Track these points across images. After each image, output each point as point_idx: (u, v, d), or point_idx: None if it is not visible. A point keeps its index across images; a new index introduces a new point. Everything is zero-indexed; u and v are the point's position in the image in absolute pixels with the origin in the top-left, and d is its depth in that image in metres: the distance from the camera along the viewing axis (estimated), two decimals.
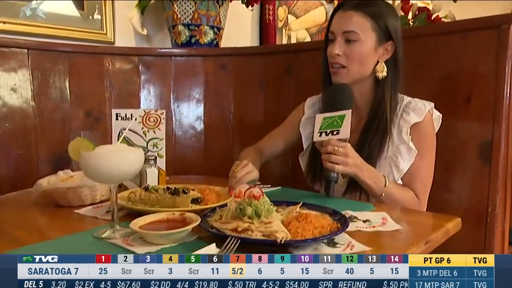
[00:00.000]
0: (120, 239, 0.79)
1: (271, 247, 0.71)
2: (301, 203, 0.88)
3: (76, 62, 1.78)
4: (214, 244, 0.72)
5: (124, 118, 1.22)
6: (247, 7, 2.16)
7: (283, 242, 0.70)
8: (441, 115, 1.23)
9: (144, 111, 1.24)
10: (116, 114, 1.22)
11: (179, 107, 1.97)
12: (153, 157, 1.19)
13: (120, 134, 1.22)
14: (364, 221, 0.93)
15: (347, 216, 0.95)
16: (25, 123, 1.65)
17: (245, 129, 1.93)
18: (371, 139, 1.16)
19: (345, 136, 1.05)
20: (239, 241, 0.71)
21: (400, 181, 1.17)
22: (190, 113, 1.97)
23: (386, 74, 1.17)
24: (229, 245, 0.70)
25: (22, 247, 0.74)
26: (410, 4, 3.13)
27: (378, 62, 1.18)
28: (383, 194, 1.10)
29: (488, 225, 1.32)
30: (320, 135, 1.07)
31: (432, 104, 1.20)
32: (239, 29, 2.47)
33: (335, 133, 1.05)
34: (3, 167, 1.58)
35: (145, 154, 1.23)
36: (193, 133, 1.97)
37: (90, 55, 1.82)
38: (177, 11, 1.97)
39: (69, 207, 1.03)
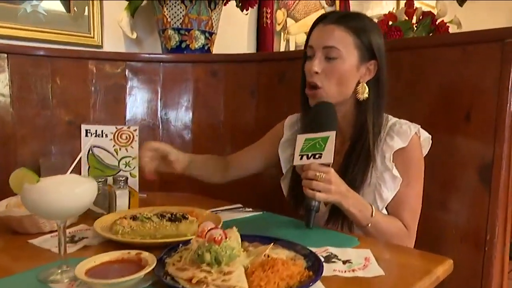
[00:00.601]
0: (66, 283, 0.71)
1: None
2: (272, 244, 0.79)
3: (60, 67, 1.70)
4: None
5: (95, 134, 1.14)
6: (242, 11, 2.07)
7: None
8: (430, 136, 1.14)
9: (116, 128, 1.16)
10: (86, 130, 1.14)
11: (166, 115, 1.88)
12: (123, 178, 1.11)
13: (90, 151, 1.14)
14: (345, 262, 0.84)
15: (326, 254, 0.87)
16: (3, 130, 1.58)
17: (236, 139, 1.84)
18: (354, 164, 1.07)
19: (328, 161, 0.95)
20: None
21: (384, 211, 1.09)
22: (178, 122, 1.89)
23: (367, 96, 1.08)
24: None
25: None
26: (414, 8, 3.01)
27: (359, 82, 1.08)
28: (369, 225, 1.02)
29: (487, 255, 1.23)
30: (301, 158, 0.97)
31: (418, 127, 1.10)
32: (235, 33, 2.37)
33: (317, 156, 0.95)
34: None
35: (116, 173, 1.17)
36: (181, 142, 1.88)
37: (74, 59, 1.74)
38: (167, 14, 1.89)
39: (27, 234, 0.96)
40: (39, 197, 0.70)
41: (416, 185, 1.08)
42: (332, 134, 0.96)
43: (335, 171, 0.98)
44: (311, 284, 0.68)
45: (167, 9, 1.88)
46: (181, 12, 1.88)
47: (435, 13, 2.31)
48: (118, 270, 0.73)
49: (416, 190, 1.08)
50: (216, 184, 1.29)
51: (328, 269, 0.80)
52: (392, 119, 1.11)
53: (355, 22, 1.07)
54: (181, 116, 1.89)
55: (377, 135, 1.08)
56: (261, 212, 1.21)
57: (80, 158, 0.80)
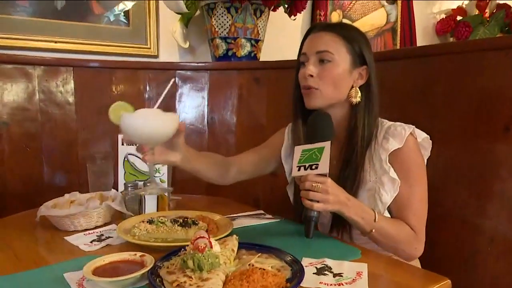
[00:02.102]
0: (78, 280, 0.82)
1: None
2: (258, 255, 0.84)
3: (117, 77, 1.89)
4: None
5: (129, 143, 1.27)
6: (290, 16, 2.10)
7: None
8: (428, 137, 1.12)
9: None
10: (122, 140, 1.27)
11: (212, 120, 1.99)
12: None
13: (125, 158, 1.28)
14: (335, 275, 0.86)
15: (321, 266, 0.90)
16: (68, 136, 1.80)
17: None
18: (349, 170, 1.08)
19: (324, 171, 0.96)
20: None
21: (387, 214, 1.08)
22: (223, 126, 1.99)
23: (360, 100, 1.10)
24: None
25: None
26: (487, 0, 2.82)
27: (352, 87, 1.11)
28: (373, 231, 1.02)
29: None
30: (299, 170, 0.98)
31: (413, 127, 1.08)
32: (286, 38, 2.42)
33: (313, 167, 0.96)
34: (50, 172, 1.74)
35: (147, 179, 1.29)
36: (225, 145, 1.98)
37: (130, 70, 1.92)
38: (215, 24, 1.99)
39: (65, 231, 1.11)
40: (134, 122, 0.85)
41: (419, 186, 1.07)
42: (327, 145, 0.97)
43: (332, 179, 0.99)
44: None
45: (215, 19, 1.98)
46: (227, 22, 1.97)
47: None
48: (122, 269, 0.83)
49: (419, 192, 1.07)
50: (219, 183, 1.28)
51: (314, 281, 0.83)
52: (388, 123, 1.11)
53: (344, 30, 1.10)
54: (226, 121, 1.99)
55: (369, 138, 1.09)
56: (279, 220, 1.26)
57: (165, 96, 0.95)
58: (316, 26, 1.13)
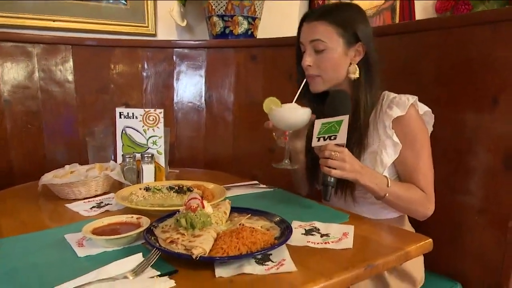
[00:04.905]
0: (78, 240, 0.87)
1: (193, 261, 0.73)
2: (249, 215, 0.88)
3: (116, 55, 1.92)
4: (141, 253, 0.76)
5: (127, 116, 1.30)
6: None
7: (197, 258, 0.72)
8: (430, 110, 1.18)
9: (144, 110, 1.30)
10: (120, 113, 1.30)
11: (210, 98, 2.02)
12: (150, 155, 1.26)
13: (123, 131, 1.31)
14: (322, 235, 0.90)
15: (309, 228, 0.95)
16: (68, 113, 1.84)
17: None
18: (355, 137, 1.15)
19: (342, 141, 1.04)
20: (160, 253, 0.75)
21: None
22: (221, 104, 2.02)
23: (359, 75, 1.16)
24: (151, 256, 0.74)
25: None
26: None
27: (350, 64, 1.16)
28: (387, 195, 1.08)
29: (508, 240, 1.20)
30: (318, 140, 1.07)
31: (416, 98, 1.14)
32: (283, 16, 2.43)
33: (332, 138, 1.05)
34: (52, 149, 1.78)
35: (144, 151, 1.33)
36: (223, 123, 2.01)
37: (128, 48, 1.94)
38: (212, 2, 2.00)
39: (66, 199, 1.15)
40: (282, 113, 1.12)
41: (424, 151, 1.13)
42: (345, 118, 1.05)
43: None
44: (267, 250, 0.77)
45: None
46: None
47: None
48: (119, 230, 0.88)
49: (424, 156, 1.13)
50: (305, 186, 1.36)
51: (302, 240, 0.87)
52: (392, 94, 1.17)
53: (335, 15, 1.14)
54: (223, 98, 2.02)
55: (371, 108, 1.16)
56: (273, 189, 1.30)
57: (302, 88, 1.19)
58: (309, 15, 1.19)
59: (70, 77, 1.83)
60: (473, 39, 1.26)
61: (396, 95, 1.16)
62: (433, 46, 1.37)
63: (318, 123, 1.09)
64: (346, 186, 1.15)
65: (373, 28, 1.23)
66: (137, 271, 0.71)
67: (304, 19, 1.20)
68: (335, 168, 1.03)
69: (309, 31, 1.16)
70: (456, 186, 1.29)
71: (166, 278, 0.70)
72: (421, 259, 1.20)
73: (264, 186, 1.32)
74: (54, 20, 1.89)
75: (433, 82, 1.37)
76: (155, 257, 0.74)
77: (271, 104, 1.15)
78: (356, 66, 1.15)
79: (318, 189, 1.30)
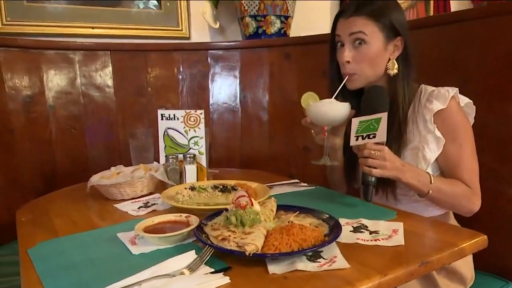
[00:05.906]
0: (130, 238, 0.89)
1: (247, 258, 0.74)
2: (297, 212, 0.88)
3: (152, 59, 1.96)
4: (194, 251, 0.78)
5: (168, 118, 1.33)
6: None
7: (250, 255, 0.72)
8: (471, 101, 1.15)
9: (185, 112, 1.32)
10: (161, 115, 1.33)
11: (245, 98, 2.03)
12: (191, 155, 1.28)
13: (165, 133, 1.34)
14: (371, 232, 0.89)
15: (357, 225, 0.93)
16: (109, 117, 1.89)
17: None
18: (393, 133, 1.12)
19: (382, 139, 1.02)
20: (213, 250, 0.76)
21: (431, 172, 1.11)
22: (256, 104, 2.03)
23: (397, 71, 1.13)
24: (204, 253, 0.75)
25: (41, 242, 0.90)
26: None
27: (389, 59, 1.14)
28: (430, 192, 1.06)
29: None
30: (357, 139, 1.05)
31: (456, 89, 1.11)
32: (315, 13, 2.42)
33: (371, 136, 1.02)
34: (93, 151, 1.84)
35: (186, 151, 1.35)
36: (258, 122, 2.02)
37: (163, 52, 1.98)
38: (244, 3, 2.01)
39: (113, 200, 1.18)
40: (321, 108, 1.10)
41: (467, 144, 1.10)
42: (384, 115, 1.02)
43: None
44: (319, 247, 0.76)
45: None
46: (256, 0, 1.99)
47: None
48: (170, 228, 0.89)
49: (467, 150, 1.10)
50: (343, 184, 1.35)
51: (351, 238, 0.86)
52: (430, 88, 1.14)
53: (372, 7, 1.12)
54: (258, 98, 2.03)
55: (408, 104, 1.14)
56: (314, 187, 1.29)
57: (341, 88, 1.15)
58: (345, 10, 1.16)
59: (110, 82, 1.88)
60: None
61: (434, 88, 1.13)
62: (475, 37, 1.33)
63: (355, 122, 1.06)
64: (387, 184, 1.13)
65: (411, 21, 1.21)
66: (192, 267, 0.72)
67: (340, 15, 1.17)
68: (375, 167, 1.01)
69: (348, 25, 1.13)
70: (505, 177, 1.25)
71: (220, 274, 0.70)
72: (471, 256, 1.16)
73: (305, 184, 1.31)
74: (93, 28, 1.95)
75: (475, 73, 1.33)
76: (208, 254, 0.75)
77: (309, 99, 1.12)
78: (395, 61, 1.13)
79: (356, 187, 1.28)
